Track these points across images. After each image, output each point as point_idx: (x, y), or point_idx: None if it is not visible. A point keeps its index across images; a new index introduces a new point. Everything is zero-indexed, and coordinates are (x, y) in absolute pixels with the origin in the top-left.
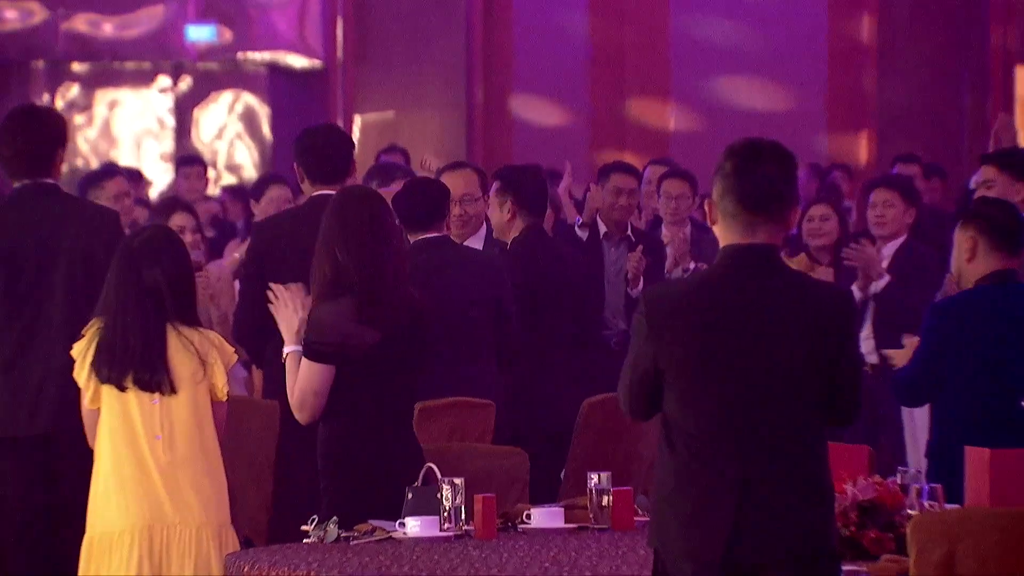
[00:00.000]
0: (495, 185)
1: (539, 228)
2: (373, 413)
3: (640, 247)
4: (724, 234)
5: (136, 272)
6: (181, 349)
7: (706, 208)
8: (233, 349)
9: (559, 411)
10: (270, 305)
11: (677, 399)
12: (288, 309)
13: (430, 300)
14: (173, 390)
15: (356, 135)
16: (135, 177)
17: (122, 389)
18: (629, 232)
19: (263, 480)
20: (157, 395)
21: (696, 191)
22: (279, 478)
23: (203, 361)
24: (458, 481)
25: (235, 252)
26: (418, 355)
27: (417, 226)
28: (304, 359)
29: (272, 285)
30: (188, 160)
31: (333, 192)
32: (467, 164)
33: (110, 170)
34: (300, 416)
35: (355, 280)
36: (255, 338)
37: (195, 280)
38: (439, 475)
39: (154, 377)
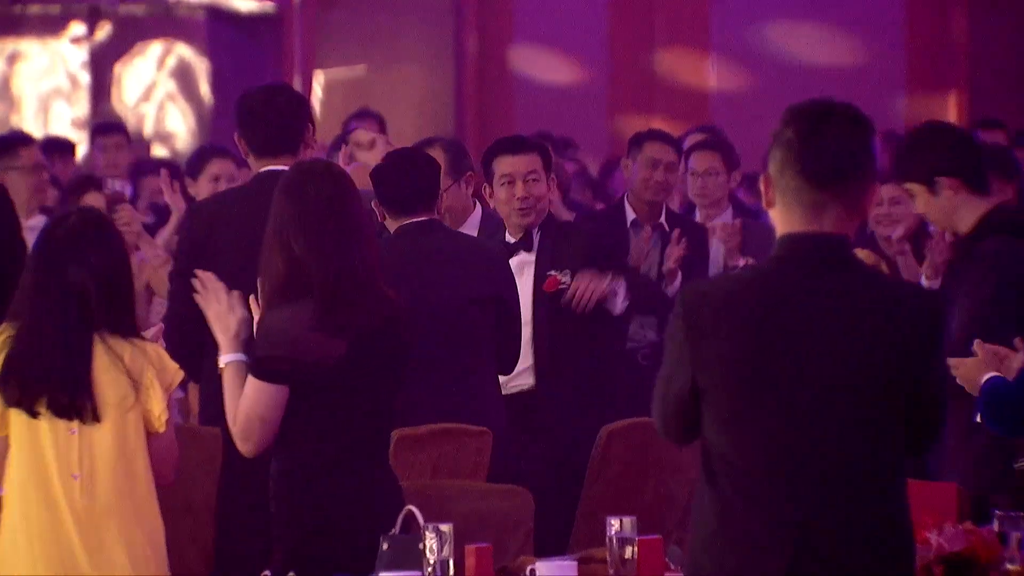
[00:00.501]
0: (538, 160)
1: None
2: (338, 443)
3: (678, 232)
4: (783, 219)
5: (58, 269)
6: (109, 367)
7: (761, 186)
8: (177, 366)
9: (571, 439)
10: (197, 297)
11: (719, 422)
12: (221, 305)
13: (419, 297)
14: (96, 418)
15: (317, 96)
16: (63, 149)
17: (33, 415)
18: (663, 219)
19: (202, 527)
20: (76, 424)
21: (732, 166)
22: (222, 525)
23: (136, 382)
24: (445, 528)
25: (164, 238)
26: (394, 371)
27: (402, 210)
28: (251, 377)
29: (199, 272)
30: (107, 128)
31: (283, 168)
32: (434, 141)
33: (23, 136)
34: (244, 447)
35: (315, 279)
36: (191, 348)
37: (132, 280)
38: (421, 520)
39: (74, 401)
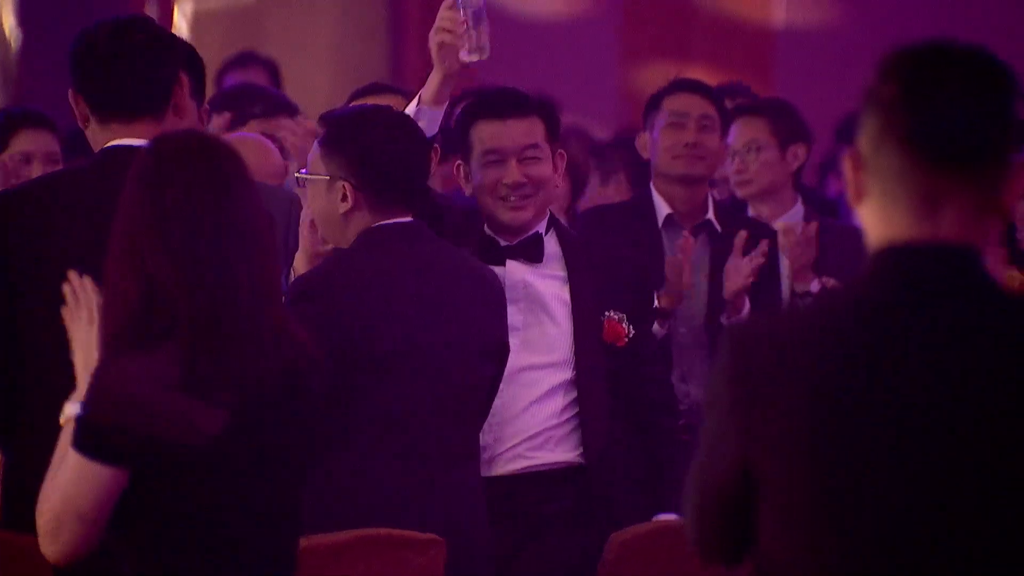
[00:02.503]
0: (540, 127)
1: None
2: (216, 557)
3: (745, 234)
4: (879, 219)
5: None
6: None
7: (846, 168)
8: None
9: (567, 550)
10: (65, 312)
11: (785, 528)
12: (94, 329)
13: (401, 342)
14: None
15: (184, 32)
16: None
17: None
18: (711, 214)
19: None
20: None
21: (789, 137)
22: None
23: None
24: None
25: None
26: (302, 450)
27: (387, 199)
28: (71, 452)
29: (72, 275)
30: None
31: (140, 143)
32: (389, 88)
33: None
34: (48, 548)
35: (181, 313)
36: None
37: None
38: None
39: None
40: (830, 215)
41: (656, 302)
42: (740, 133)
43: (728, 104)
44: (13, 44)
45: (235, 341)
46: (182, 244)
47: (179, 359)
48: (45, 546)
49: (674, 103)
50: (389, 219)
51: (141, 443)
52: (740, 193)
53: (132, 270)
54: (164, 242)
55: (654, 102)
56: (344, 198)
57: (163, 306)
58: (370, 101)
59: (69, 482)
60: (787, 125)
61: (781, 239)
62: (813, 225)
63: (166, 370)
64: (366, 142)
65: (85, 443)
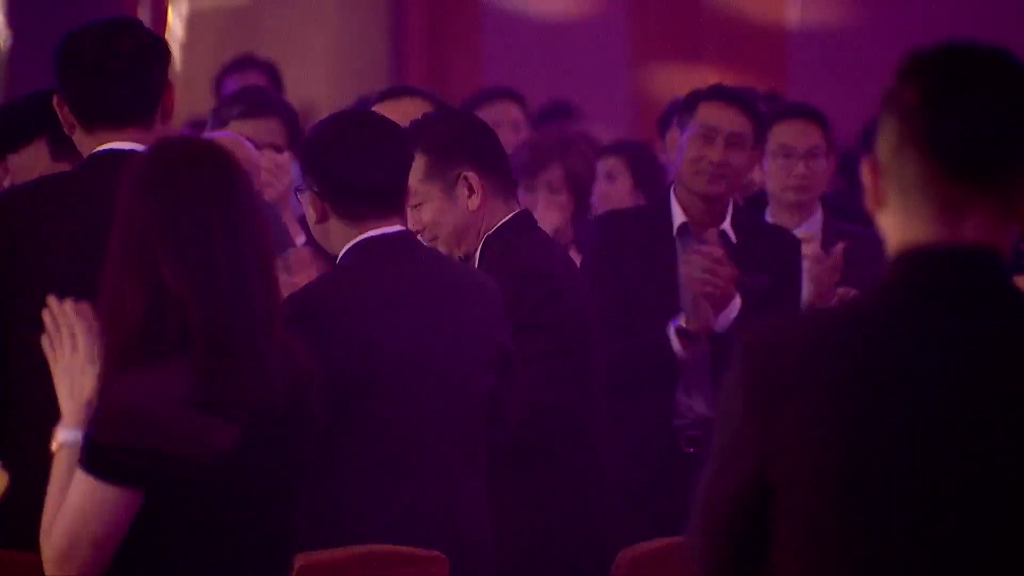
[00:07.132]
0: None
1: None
2: (220, 574)
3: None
4: (898, 225)
5: None
6: None
7: (864, 175)
8: None
9: (571, 567)
10: (44, 341)
11: (801, 545)
12: (77, 356)
13: (401, 354)
14: None
15: (176, 38)
16: None
17: None
18: (728, 224)
19: None
20: None
21: (832, 145)
22: None
23: None
24: None
25: None
26: (299, 467)
27: (367, 210)
28: (81, 474)
29: (51, 300)
30: None
31: (135, 147)
32: (412, 90)
33: None
34: (59, 573)
35: (195, 325)
36: None
37: None
38: None
39: None
40: (850, 222)
41: (681, 322)
42: (788, 135)
43: None
44: (2, 44)
45: (249, 355)
46: (197, 254)
47: (190, 374)
48: (53, 570)
49: (707, 113)
50: (369, 229)
51: (153, 462)
52: (790, 199)
53: (140, 280)
54: (177, 251)
55: (689, 104)
56: (314, 209)
57: (174, 318)
58: (391, 104)
59: (79, 506)
60: (822, 129)
61: (805, 249)
62: (839, 249)
63: (176, 385)
64: (316, 149)
65: (95, 465)
